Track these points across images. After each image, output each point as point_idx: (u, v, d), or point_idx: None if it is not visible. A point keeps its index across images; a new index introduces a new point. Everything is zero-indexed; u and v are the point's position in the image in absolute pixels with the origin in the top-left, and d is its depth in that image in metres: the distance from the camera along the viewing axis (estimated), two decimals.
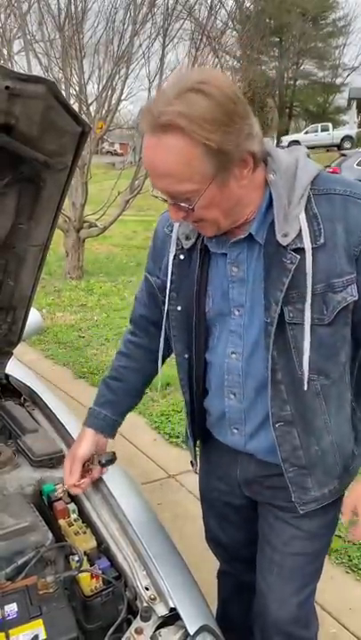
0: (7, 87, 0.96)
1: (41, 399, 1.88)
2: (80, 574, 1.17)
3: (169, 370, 1.43)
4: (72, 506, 1.39)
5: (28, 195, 1.28)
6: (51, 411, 1.81)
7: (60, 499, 1.41)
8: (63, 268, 8.21)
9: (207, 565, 1.77)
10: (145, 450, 3.39)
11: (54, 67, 7.87)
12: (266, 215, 1.11)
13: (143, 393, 1.53)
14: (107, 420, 1.44)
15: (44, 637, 1.03)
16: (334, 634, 2.10)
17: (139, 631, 1.08)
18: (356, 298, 1.10)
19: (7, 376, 1.98)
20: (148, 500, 1.55)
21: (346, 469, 1.32)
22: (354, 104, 29.61)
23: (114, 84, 8.15)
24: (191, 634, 1.08)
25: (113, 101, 8.36)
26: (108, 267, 9.07)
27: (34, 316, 2.02)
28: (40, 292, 6.59)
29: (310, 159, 1.13)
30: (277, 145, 25.00)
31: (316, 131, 27.69)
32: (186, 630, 1.08)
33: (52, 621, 1.05)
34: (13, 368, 2.01)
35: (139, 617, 1.10)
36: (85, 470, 1.40)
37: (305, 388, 1.14)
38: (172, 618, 1.12)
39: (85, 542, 1.28)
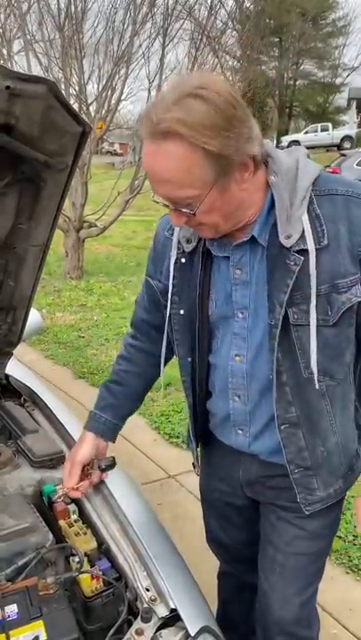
0: (7, 87, 0.95)
1: (41, 399, 1.88)
2: (80, 575, 1.17)
3: (169, 370, 1.43)
4: (72, 507, 1.39)
5: (29, 195, 1.27)
6: (51, 411, 1.81)
7: (61, 499, 1.40)
8: (63, 268, 8.21)
9: (207, 566, 1.76)
10: (145, 450, 3.39)
11: (54, 67, 7.89)
12: (268, 217, 1.11)
13: (144, 397, 1.52)
14: (107, 423, 1.44)
15: (45, 638, 1.02)
16: (335, 634, 2.10)
17: (139, 632, 1.08)
18: None
19: (7, 376, 1.97)
20: (148, 500, 1.55)
21: (350, 469, 1.32)
22: (354, 104, 29.63)
23: (114, 83, 8.17)
24: (192, 635, 1.08)
25: (113, 101, 8.38)
26: (107, 267, 9.07)
27: (34, 316, 2.01)
28: (40, 292, 6.59)
29: (310, 160, 1.13)
30: (277, 145, 25.07)
31: (316, 131, 27.70)
32: (187, 631, 1.08)
33: (53, 622, 1.05)
34: (13, 368, 2.00)
35: (139, 618, 1.10)
36: (85, 474, 1.40)
37: (316, 387, 1.13)
38: (173, 619, 1.11)
39: (86, 543, 1.27)
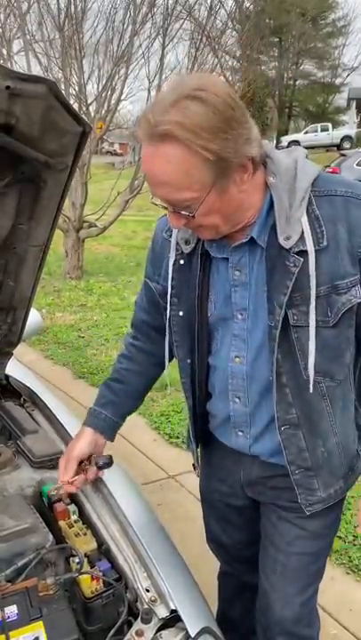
0: (7, 87, 0.95)
1: (41, 400, 1.88)
2: (80, 576, 1.16)
3: (169, 370, 1.43)
4: (72, 507, 1.39)
5: (29, 195, 1.27)
6: (50, 411, 1.81)
7: (60, 500, 1.40)
8: (63, 268, 8.20)
9: (208, 566, 1.76)
10: (145, 450, 3.39)
11: (54, 67, 7.89)
12: (267, 218, 1.11)
13: (144, 396, 1.52)
14: (107, 420, 1.43)
15: (45, 639, 1.02)
16: (335, 635, 2.10)
17: (139, 633, 1.07)
18: None
19: (7, 376, 1.97)
20: (148, 500, 1.55)
21: (351, 469, 1.32)
22: (353, 104, 29.63)
23: (113, 83, 8.16)
24: (192, 636, 1.07)
25: (113, 101, 8.37)
26: (107, 267, 9.06)
27: (33, 317, 2.01)
28: (40, 292, 6.59)
29: (309, 160, 1.12)
30: (277, 145, 25.07)
31: (316, 131, 27.72)
32: (187, 632, 1.08)
33: (53, 623, 1.05)
34: (13, 368, 2.00)
35: (139, 619, 1.10)
36: (81, 469, 1.38)
37: (310, 390, 1.13)
38: (173, 620, 1.11)
39: (86, 544, 1.27)
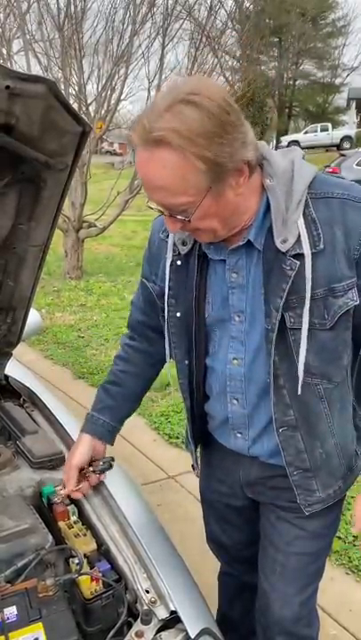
0: (7, 87, 0.95)
1: (40, 400, 1.87)
2: (80, 577, 1.16)
3: (171, 370, 1.42)
4: (72, 508, 1.39)
5: (29, 195, 1.27)
6: (50, 412, 1.80)
7: (60, 500, 1.40)
8: (62, 268, 8.20)
9: (208, 567, 1.76)
10: (144, 450, 3.39)
11: (54, 66, 7.88)
12: (263, 221, 1.10)
13: (142, 398, 1.52)
14: (105, 425, 1.43)
15: None
16: (335, 635, 2.10)
17: (139, 634, 1.07)
18: (358, 302, 1.10)
19: (7, 377, 1.97)
20: (148, 501, 1.55)
21: (350, 469, 1.32)
22: (353, 104, 29.64)
23: (113, 83, 8.15)
24: (192, 637, 1.07)
25: (112, 101, 8.36)
26: (107, 267, 9.06)
27: (33, 317, 2.01)
28: (39, 292, 6.59)
29: (305, 161, 1.12)
30: (277, 145, 25.04)
31: (316, 131, 27.72)
32: (187, 633, 1.08)
33: (52, 624, 1.05)
34: (13, 368, 2.00)
35: (139, 620, 1.10)
36: (83, 476, 1.40)
37: (299, 392, 1.13)
38: (173, 621, 1.11)
39: (85, 544, 1.27)
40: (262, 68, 27.50)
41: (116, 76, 8.12)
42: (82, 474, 1.39)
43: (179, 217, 1.04)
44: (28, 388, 1.95)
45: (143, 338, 1.45)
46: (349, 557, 2.48)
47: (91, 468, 1.40)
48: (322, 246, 1.06)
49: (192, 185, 0.98)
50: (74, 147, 1.15)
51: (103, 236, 8.61)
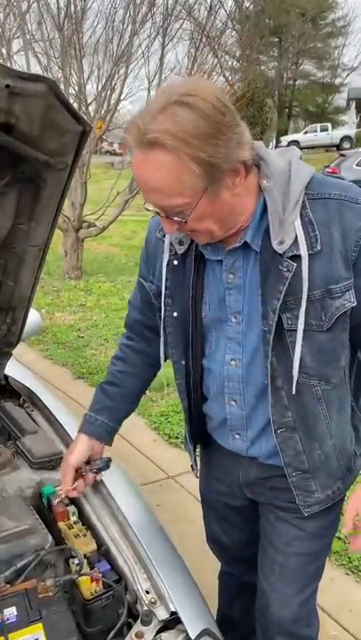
0: (7, 86, 0.94)
1: (40, 400, 1.87)
2: (80, 577, 1.16)
3: (168, 370, 1.42)
4: (72, 508, 1.39)
5: (29, 195, 1.27)
6: (50, 412, 1.80)
7: (60, 501, 1.40)
8: (62, 268, 8.20)
9: (208, 567, 1.76)
10: (144, 450, 3.39)
11: (53, 66, 7.88)
12: (260, 222, 1.10)
13: (140, 399, 1.51)
14: (103, 426, 1.43)
15: None
16: (335, 636, 2.10)
17: (139, 635, 1.07)
18: (355, 304, 1.09)
19: (6, 377, 1.97)
20: (148, 501, 1.54)
21: (349, 470, 1.32)
22: (353, 104, 29.65)
23: (113, 83, 8.15)
24: (192, 638, 1.07)
25: (112, 101, 8.36)
26: (107, 267, 9.06)
27: (33, 317, 2.01)
28: (39, 292, 6.58)
29: (302, 161, 1.11)
30: (277, 145, 25.01)
31: (316, 131, 27.72)
32: (187, 634, 1.08)
33: (52, 625, 1.05)
34: (13, 368, 2.00)
35: (139, 621, 1.09)
36: (79, 475, 1.39)
37: (293, 391, 1.13)
38: (173, 621, 1.11)
39: (85, 545, 1.27)
40: (262, 68, 27.53)
41: (116, 76, 8.12)
42: (79, 473, 1.39)
43: (175, 218, 1.04)
44: (28, 388, 1.95)
45: (141, 338, 1.45)
46: (349, 558, 2.48)
47: (88, 468, 1.40)
48: (319, 248, 1.05)
49: (188, 186, 0.98)
50: (74, 146, 1.15)
51: (103, 235, 8.61)
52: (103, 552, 1.28)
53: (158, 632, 1.09)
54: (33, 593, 1.10)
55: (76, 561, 1.20)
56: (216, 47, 9.02)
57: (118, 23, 8.20)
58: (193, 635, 1.07)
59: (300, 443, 1.21)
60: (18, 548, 1.22)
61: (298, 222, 1.05)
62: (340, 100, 36.49)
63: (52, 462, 1.54)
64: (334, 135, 26.87)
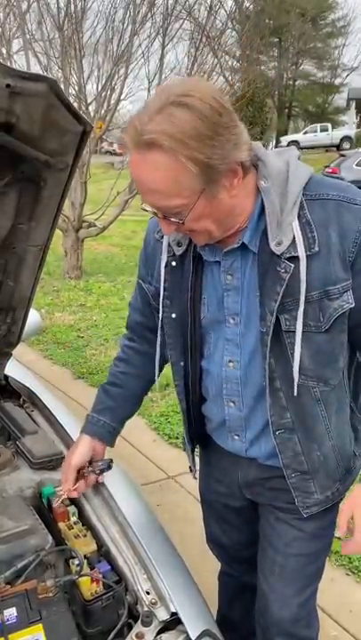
0: (8, 85, 0.94)
1: (40, 400, 1.87)
2: (80, 578, 1.16)
3: (168, 370, 1.42)
4: (72, 508, 1.38)
5: (29, 194, 1.26)
6: (50, 412, 1.80)
7: (61, 501, 1.39)
8: (62, 268, 8.20)
9: (208, 567, 1.76)
10: (144, 451, 3.39)
11: (53, 66, 7.87)
12: (258, 223, 1.09)
13: (142, 399, 1.51)
14: (106, 427, 1.42)
15: None
16: (335, 636, 2.10)
17: (140, 636, 1.07)
18: (353, 305, 1.09)
19: (6, 377, 1.97)
20: (148, 501, 1.54)
21: (348, 471, 1.32)
22: (353, 104, 29.64)
23: (113, 83, 8.14)
24: (193, 639, 1.07)
25: (112, 101, 8.35)
26: (107, 267, 9.06)
27: (33, 317, 2.01)
28: (39, 292, 6.56)
29: (301, 162, 1.11)
30: (277, 145, 24.99)
31: (316, 131, 27.73)
32: (187, 635, 1.07)
33: (52, 626, 1.04)
34: (13, 368, 2.00)
35: (140, 621, 1.09)
36: (81, 476, 1.39)
37: (295, 393, 1.13)
38: (174, 622, 1.11)
39: (86, 545, 1.27)
40: (262, 68, 27.48)
41: (116, 76, 8.11)
42: (80, 474, 1.39)
43: (172, 219, 1.04)
44: (28, 388, 1.94)
45: (142, 339, 1.45)
46: (350, 558, 2.48)
47: (90, 469, 1.40)
48: (317, 249, 1.05)
49: (185, 187, 0.98)
50: (74, 146, 1.15)
51: (103, 235, 8.61)
52: (103, 552, 1.28)
53: (159, 633, 1.09)
54: (33, 593, 1.10)
55: (77, 561, 1.20)
56: (216, 47, 9.00)
57: (118, 23, 8.21)
58: (193, 635, 1.07)
59: (299, 444, 1.20)
60: (18, 548, 1.22)
61: (296, 223, 1.04)
62: (340, 100, 36.52)
63: (53, 462, 1.54)
64: (334, 135, 26.87)
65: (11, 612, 1.06)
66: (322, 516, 1.31)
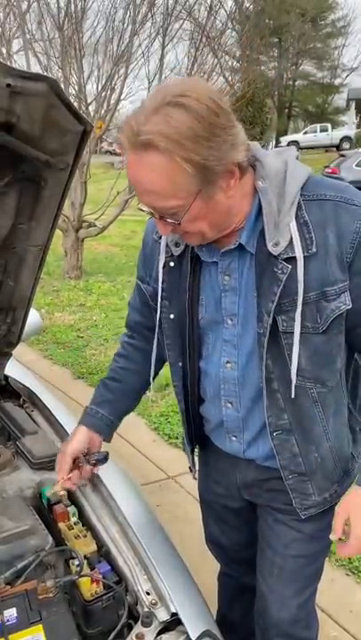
0: (8, 85, 0.94)
1: (40, 400, 1.87)
2: (80, 578, 1.16)
3: (168, 370, 1.42)
4: (72, 509, 1.38)
5: (29, 194, 1.26)
6: (50, 412, 1.80)
7: (60, 501, 1.39)
8: (62, 268, 8.19)
9: (208, 568, 1.76)
10: (144, 451, 3.38)
11: (53, 66, 7.87)
12: (256, 223, 1.09)
13: (141, 396, 1.51)
14: (103, 419, 1.42)
15: None
16: (335, 637, 2.10)
17: (140, 637, 1.07)
18: (350, 306, 1.08)
19: (6, 377, 1.96)
20: (148, 501, 1.54)
21: (346, 472, 1.31)
22: (353, 105, 29.64)
23: (113, 83, 8.14)
24: (193, 639, 1.07)
25: (112, 101, 8.35)
26: (106, 266, 9.05)
27: (33, 316, 2.01)
28: (39, 292, 6.55)
29: (299, 162, 1.10)
30: (276, 145, 24.99)
31: (315, 131, 27.72)
32: (188, 636, 1.07)
33: (52, 626, 1.04)
34: (13, 368, 2.00)
35: (140, 622, 1.09)
36: (76, 466, 1.37)
37: (292, 395, 1.13)
38: (174, 623, 1.11)
39: (86, 546, 1.27)
40: (262, 68, 27.45)
41: (116, 76, 8.10)
42: (75, 464, 1.36)
43: (169, 220, 1.03)
44: (28, 388, 1.94)
45: (142, 337, 1.45)
46: (350, 559, 2.48)
47: (85, 459, 1.37)
48: (314, 249, 1.04)
49: (181, 188, 0.97)
50: (75, 146, 1.14)
51: (103, 235, 8.60)
52: (103, 553, 1.28)
53: (159, 633, 1.09)
54: (33, 594, 1.10)
55: (77, 562, 1.20)
56: (216, 47, 9.00)
57: (118, 23, 8.20)
58: (194, 636, 1.07)
59: (297, 445, 1.20)
60: (18, 548, 1.22)
61: (293, 224, 1.04)
62: (339, 100, 36.51)
63: (52, 463, 1.53)
64: (334, 135, 26.86)
65: (11, 613, 1.06)
66: (320, 518, 1.31)
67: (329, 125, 28.21)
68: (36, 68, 7.57)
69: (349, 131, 27.69)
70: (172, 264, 1.21)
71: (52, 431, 1.73)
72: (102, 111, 8.23)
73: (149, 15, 7.96)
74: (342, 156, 15.35)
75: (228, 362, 1.21)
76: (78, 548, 1.24)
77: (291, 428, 1.19)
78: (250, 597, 1.54)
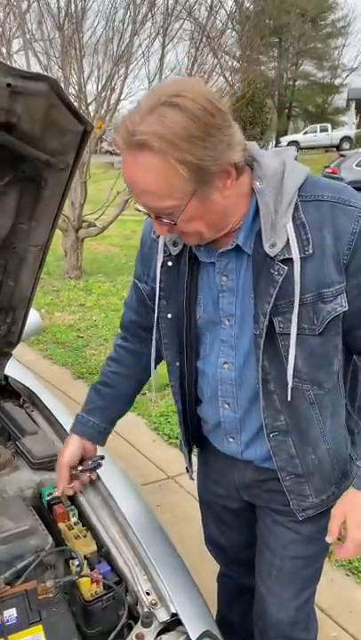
0: (9, 84, 0.94)
1: (40, 400, 1.87)
2: (80, 579, 1.16)
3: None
4: (72, 509, 1.38)
5: (29, 194, 1.26)
6: (50, 412, 1.80)
7: (60, 501, 1.39)
8: (62, 268, 8.19)
9: (207, 568, 1.76)
10: (144, 451, 3.38)
11: (53, 66, 7.87)
12: (253, 224, 1.09)
13: (134, 399, 1.51)
14: (95, 427, 1.42)
15: None
16: (335, 637, 2.10)
17: (140, 637, 1.07)
18: (347, 308, 1.08)
19: (6, 377, 1.96)
20: (148, 501, 1.54)
21: (344, 475, 1.31)
22: (353, 105, 29.65)
23: (113, 83, 8.14)
24: None
25: (112, 101, 8.35)
26: (106, 266, 9.05)
27: (33, 316, 2.00)
28: (39, 292, 6.54)
29: (297, 162, 1.10)
30: (276, 145, 25.00)
31: (315, 131, 27.74)
32: (188, 636, 1.07)
33: (52, 627, 1.04)
34: (13, 368, 1.99)
35: (140, 622, 1.09)
36: (74, 475, 1.39)
37: (289, 397, 1.12)
38: (174, 623, 1.11)
39: (86, 546, 1.26)
40: (262, 68, 27.48)
41: (116, 76, 8.10)
42: (72, 472, 1.38)
43: (165, 220, 1.03)
44: (28, 388, 1.94)
45: (136, 338, 1.44)
46: (349, 559, 2.48)
47: (80, 467, 1.39)
48: (311, 251, 1.04)
49: (177, 188, 0.97)
50: (75, 146, 1.14)
51: (103, 235, 8.60)
52: (103, 553, 1.28)
53: (159, 634, 1.09)
54: (33, 594, 1.10)
55: (77, 562, 1.20)
56: (216, 47, 9.00)
57: (118, 23, 8.20)
58: (194, 636, 1.07)
59: (294, 447, 1.20)
60: (18, 548, 1.22)
61: (290, 225, 1.03)
62: (339, 100, 36.52)
63: (52, 463, 1.53)
64: (334, 136, 26.87)
65: (11, 613, 1.06)
66: (318, 519, 1.30)
67: (329, 125, 28.22)
68: (36, 68, 7.57)
69: (349, 131, 27.70)
70: (169, 263, 1.21)
71: (52, 431, 1.73)
72: (102, 111, 8.23)
73: (149, 15, 7.98)
74: (342, 156, 15.34)
75: (225, 362, 1.21)
76: (78, 549, 1.24)
77: (288, 430, 1.18)
78: (249, 598, 1.54)
